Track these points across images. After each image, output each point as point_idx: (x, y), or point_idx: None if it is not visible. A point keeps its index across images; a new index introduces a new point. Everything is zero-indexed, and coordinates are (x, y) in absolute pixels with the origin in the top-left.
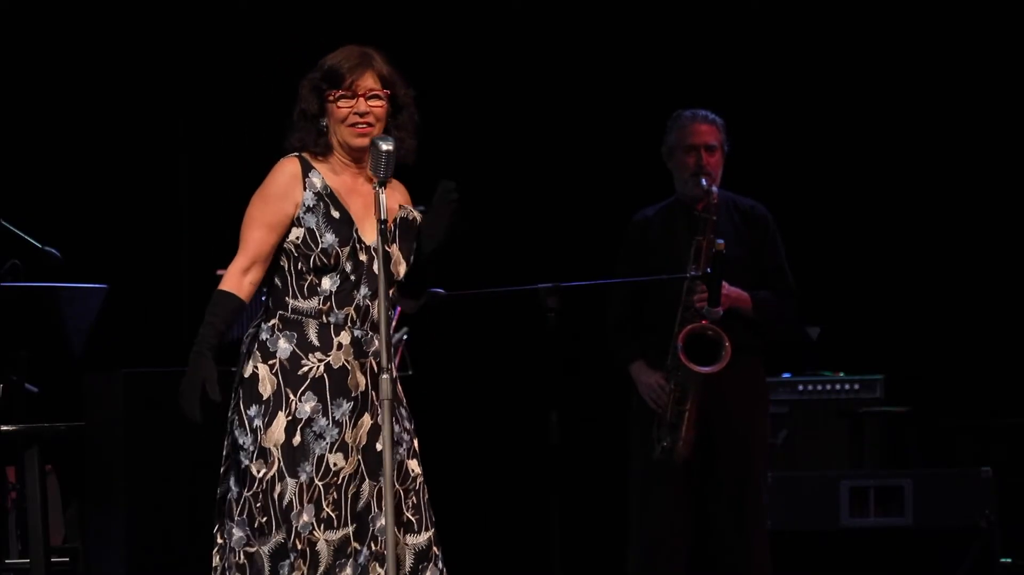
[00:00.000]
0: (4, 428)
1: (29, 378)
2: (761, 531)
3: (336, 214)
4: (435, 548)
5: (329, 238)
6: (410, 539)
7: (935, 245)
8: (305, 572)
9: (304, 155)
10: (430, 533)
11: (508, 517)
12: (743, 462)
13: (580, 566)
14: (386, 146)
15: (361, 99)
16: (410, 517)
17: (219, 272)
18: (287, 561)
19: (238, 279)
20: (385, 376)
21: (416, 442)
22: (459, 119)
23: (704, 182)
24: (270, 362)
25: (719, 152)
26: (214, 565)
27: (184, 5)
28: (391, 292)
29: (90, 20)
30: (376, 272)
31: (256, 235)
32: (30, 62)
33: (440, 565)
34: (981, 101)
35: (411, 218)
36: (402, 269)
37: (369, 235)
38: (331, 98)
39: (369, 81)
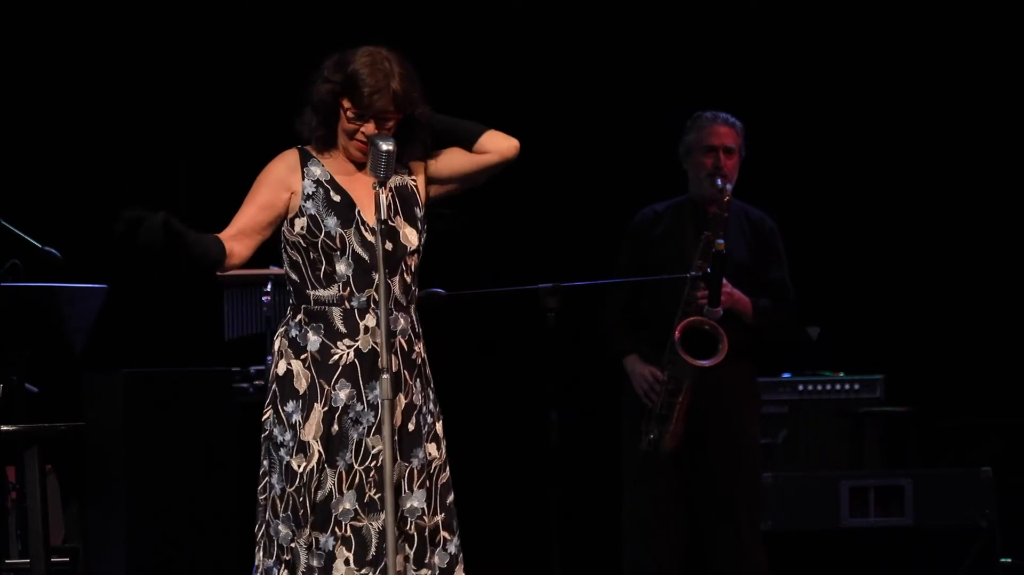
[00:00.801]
0: (4, 428)
1: (29, 378)
2: (755, 531)
3: (337, 198)
4: (443, 532)
5: (331, 222)
6: (422, 520)
7: (935, 245)
8: (351, 559)
9: (305, 147)
10: (438, 518)
11: (508, 516)
12: (735, 463)
13: (580, 565)
14: (386, 146)
15: (371, 123)
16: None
17: (219, 272)
18: (312, 551)
19: (226, 236)
20: (385, 376)
21: (439, 425)
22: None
23: (719, 182)
24: (302, 357)
25: (736, 156)
26: (255, 564)
27: (184, 5)
28: (412, 267)
29: (90, 20)
30: (387, 249)
31: (247, 211)
32: (30, 62)
33: (450, 549)
34: (981, 101)
35: (405, 183)
36: (413, 238)
37: (371, 216)
38: (344, 107)
39: (385, 103)
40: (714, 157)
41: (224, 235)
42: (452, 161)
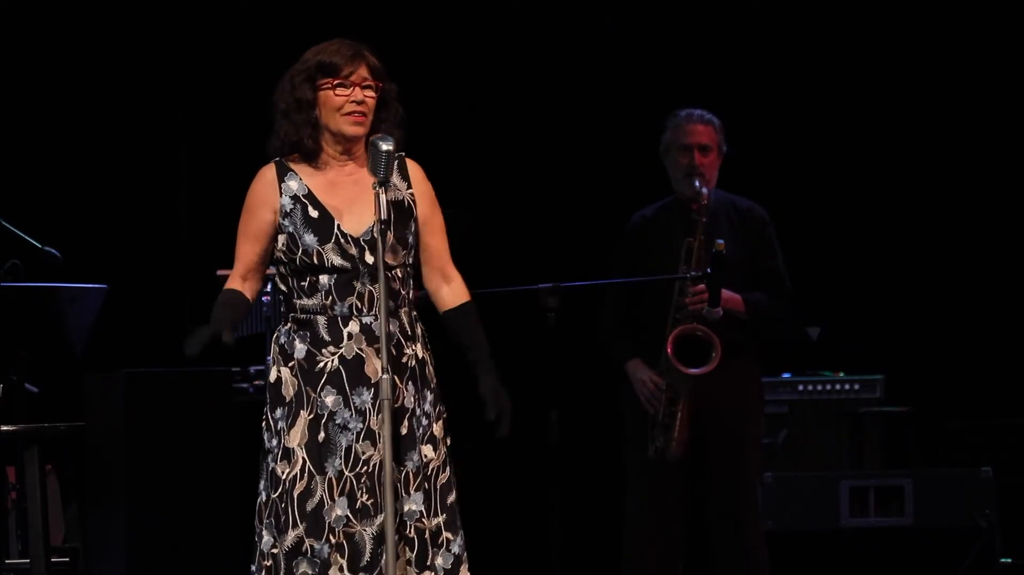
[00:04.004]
0: (4, 428)
1: (29, 378)
2: (756, 531)
3: (314, 214)
4: (446, 533)
5: (308, 239)
6: (421, 523)
7: (935, 245)
8: (344, 566)
9: (283, 160)
10: (439, 519)
11: (508, 517)
12: (736, 462)
13: (580, 565)
14: (386, 146)
15: (357, 88)
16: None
17: (219, 272)
18: (302, 558)
19: (239, 283)
20: (385, 376)
21: (437, 426)
22: (459, 119)
23: (697, 183)
24: (290, 364)
25: (714, 153)
26: (251, 570)
27: (184, 5)
28: (399, 274)
29: (90, 20)
30: (367, 261)
31: (243, 248)
32: (30, 62)
33: (454, 549)
34: (981, 101)
35: (403, 199)
36: (397, 258)
37: (354, 227)
38: (326, 86)
39: (364, 71)
40: (689, 156)
41: (235, 278)
42: (428, 241)
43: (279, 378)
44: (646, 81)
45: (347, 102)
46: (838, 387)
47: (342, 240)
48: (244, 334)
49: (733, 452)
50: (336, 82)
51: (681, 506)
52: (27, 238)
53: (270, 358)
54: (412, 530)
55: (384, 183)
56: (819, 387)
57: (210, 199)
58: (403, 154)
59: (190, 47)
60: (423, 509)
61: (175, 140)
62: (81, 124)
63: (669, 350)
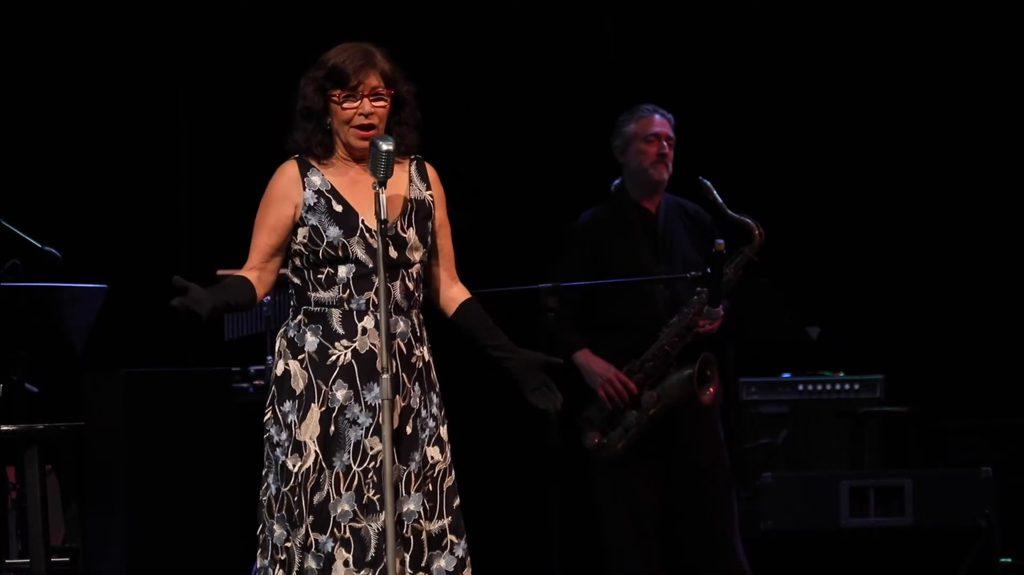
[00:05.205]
0: (4, 428)
1: (29, 378)
2: (731, 529)
3: (339, 208)
4: (450, 536)
5: (333, 231)
6: (424, 526)
7: (935, 245)
8: (350, 559)
9: (304, 156)
10: (444, 521)
11: (508, 516)
12: (699, 460)
13: (580, 565)
14: (386, 146)
15: (366, 100)
16: (425, 503)
17: (220, 272)
18: (311, 552)
19: (249, 273)
20: (385, 376)
21: (443, 429)
22: (460, 119)
23: (696, 179)
24: (299, 357)
25: (672, 148)
26: (258, 566)
27: (184, 4)
28: (414, 274)
29: (90, 20)
30: (392, 256)
31: (260, 239)
32: (30, 62)
33: (458, 553)
34: (980, 101)
35: (424, 198)
36: (418, 255)
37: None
38: (335, 98)
39: (373, 80)
40: (658, 144)
41: (248, 268)
42: (443, 243)
43: (287, 371)
44: (647, 81)
45: (355, 115)
46: (838, 387)
47: (367, 234)
48: (244, 334)
49: (696, 450)
50: (344, 94)
51: (653, 487)
52: (27, 238)
53: (275, 352)
54: (409, 530)
55: (384, 183)
56: (819, 387)
57: (210, 199)
58: (420, 156)
59: (190, 47)
60: (421, 510)
61: (175, 140)
62: (81, 124)
63: (694, 371)
